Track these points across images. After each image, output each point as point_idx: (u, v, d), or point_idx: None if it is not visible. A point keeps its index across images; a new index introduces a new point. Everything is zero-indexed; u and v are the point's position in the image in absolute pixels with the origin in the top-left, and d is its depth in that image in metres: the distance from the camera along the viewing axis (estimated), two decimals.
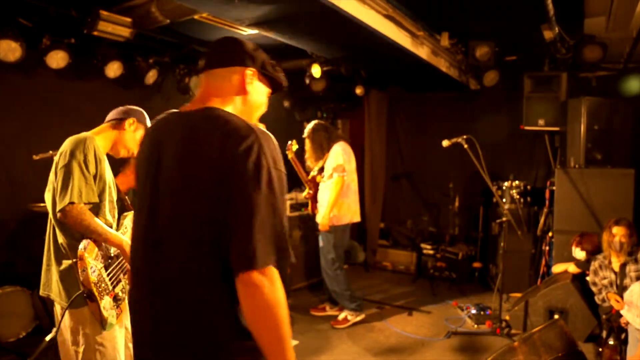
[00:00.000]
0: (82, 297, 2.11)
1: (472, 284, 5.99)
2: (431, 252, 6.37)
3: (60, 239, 2.25)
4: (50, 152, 3.32)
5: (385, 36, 4.09)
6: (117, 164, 4.20)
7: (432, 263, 6.19)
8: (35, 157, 3.38)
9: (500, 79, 5.68)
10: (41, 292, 2.32)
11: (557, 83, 5.27)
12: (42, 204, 3.91)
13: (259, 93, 1.56)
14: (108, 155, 2.50)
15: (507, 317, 4.45)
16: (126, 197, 2.68)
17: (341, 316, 4.66)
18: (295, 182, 6.38)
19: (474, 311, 4.80)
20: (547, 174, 5.52)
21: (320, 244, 4.69)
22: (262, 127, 1.40)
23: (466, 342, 4.20)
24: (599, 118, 4.74)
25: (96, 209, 2.27)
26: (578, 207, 4.61)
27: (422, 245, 6.49)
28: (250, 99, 1.53)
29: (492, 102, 6.28)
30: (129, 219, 2.51)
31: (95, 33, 4.02)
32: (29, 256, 4.48)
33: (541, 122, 5.34)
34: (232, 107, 1.50)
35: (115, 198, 2.42)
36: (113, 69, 4.58)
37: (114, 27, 4.08)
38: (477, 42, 5.19)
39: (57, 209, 2.13)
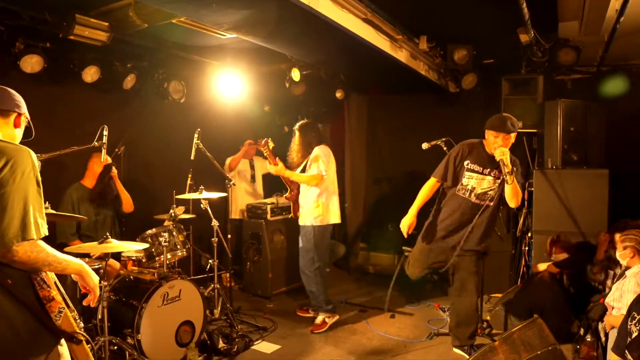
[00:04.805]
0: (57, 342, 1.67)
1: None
2: None
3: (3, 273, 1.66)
4: None
5: (364, 40, 4.11)
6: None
7: None
8: None
9: (479, 82, 5.76)
10: None
11: (534, 85, 5.35)
12: None
13: None
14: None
15: (488, 317, 4.50)
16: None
17: (318, 319, 4.65)
18: (277, 187, 6.37)
19: None
20: (526, 175, 5.60)
21: (300, 244, 4.69)
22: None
23: (448, 343, 4.22)
24: (575, 120, 4.83)
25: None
26: (556, 208, 4.69)
27: (404, 248, 6.49)
28: None
29: (471, 105, 6.34)
30: None
31: (72, 37, 3.97)
32: None
33: (519, 124, 5.41)
34: None
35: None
36: (90, 74, 4.52)
37: (91, 31, 4.04)
38: (455, 45, 5.26)
39: (1, 247, 1.59)
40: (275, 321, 4.76)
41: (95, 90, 4.76)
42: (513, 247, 5.47)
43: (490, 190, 3.74)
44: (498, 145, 3.60)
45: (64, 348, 1.73)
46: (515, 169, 3.60)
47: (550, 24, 4.59)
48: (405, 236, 3.95)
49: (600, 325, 3.53)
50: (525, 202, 5.24)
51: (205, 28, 4.33)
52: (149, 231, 4.09)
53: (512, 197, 3.61)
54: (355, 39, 4.01)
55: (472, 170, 3.75)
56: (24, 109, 2.07)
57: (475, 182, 3.74)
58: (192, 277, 4.85)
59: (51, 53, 4.22)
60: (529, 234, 5.15)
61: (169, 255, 4.06)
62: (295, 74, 5.53)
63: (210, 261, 4.68)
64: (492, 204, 3.75)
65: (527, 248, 5.26)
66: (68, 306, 1.75)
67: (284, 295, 5.64)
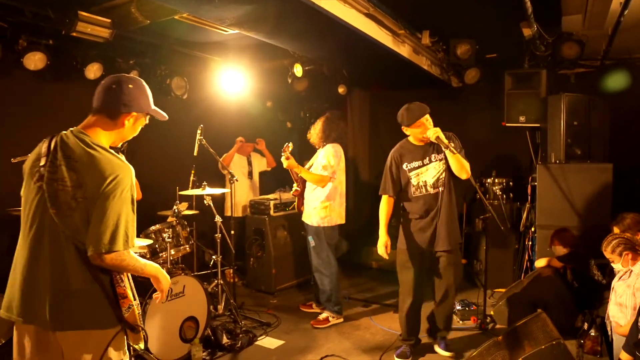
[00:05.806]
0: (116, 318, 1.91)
1: None
2: None
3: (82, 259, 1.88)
4: (29, 155, 3.27)
5: (367, 35, 4.11)
6: None
7: None
8: (13, 160, 3.33)
9: (482, 77, 5.74)
10: (53, 327, 1.83)
11: (537, 80, 5.33)
12: (19, 208, 3.85)
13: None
14: None
15: (492, 312, 4.50)
16: None
17: (322, 316, 4.66)
18: (279, 183, 6.38)
19: (459, 307, 4.82)
20: (529, 169, 5.58)
21: (312, 244, 4.69)
22: None
23: (452, 338, 4.22)
24: (578, 114, 4.81)
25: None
26: (559, 202, 4.67)
27: None
28: None
29: (474, 100, 6.33)
30: None
31: (74, 34, 3.98)
32: (8, 262, 4.39)
33: (522, 118, 5.40)
34: None
35: None
36: (93, 70, 4.52)
37: (93, 27, 4.04)
38: (458, 40, 5.24)
39: (93, 251, 1.80)
40: (278, 317, 4.78)
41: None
42: (516, 242, 5.47)
43: (440, 174, 3.71)
44: (425, 130, 3.59)
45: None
46: (453, 143, 3.58)
47: (554, 18, 4.57)
48: (387, 257, 3.86)
49: (607, 321, 3.51)
50: (529, 197, 5.24)
51: (207, 24, 4.33)
52: (153, 227, 4.10)
53: (460, 168, 3.57)
54: (358, 34, 4.00)
55: (415, 168, 3.74)
56: (135, 106, 2.00)
57: (424, 176, 3.73)
58: (195, 273, 4.87)
59: (54, 50, 4.23)
60: (533, 229, 5.15)
61: (172, 251, 4.07)
62: (298, 70, 5.53)
63: (213, 257, 4.69)
64: (446, 186, 3.71)
65: (530, 243, 5.26)
66: (135, 299, 1.97)
67: (288, 290, 5.65)
